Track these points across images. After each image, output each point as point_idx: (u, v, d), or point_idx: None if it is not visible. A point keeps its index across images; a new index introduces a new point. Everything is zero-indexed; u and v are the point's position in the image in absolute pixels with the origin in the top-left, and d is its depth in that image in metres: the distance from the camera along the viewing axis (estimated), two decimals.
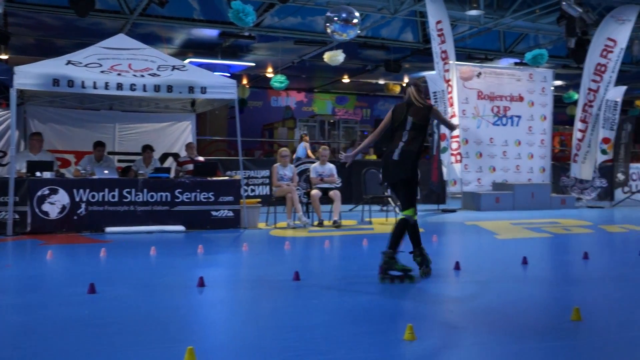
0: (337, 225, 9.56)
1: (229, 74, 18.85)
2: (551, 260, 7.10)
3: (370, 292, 4.94)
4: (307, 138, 17.17)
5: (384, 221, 10.61)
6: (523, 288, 5.26)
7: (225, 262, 6.67)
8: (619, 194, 14.96)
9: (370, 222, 10.41)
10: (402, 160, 5.45)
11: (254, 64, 19.10)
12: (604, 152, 13.84)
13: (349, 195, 12.83)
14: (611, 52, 13.68)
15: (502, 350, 3.52)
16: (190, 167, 10.08)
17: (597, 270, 6.24)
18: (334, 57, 14.05)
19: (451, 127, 6.18)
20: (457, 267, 5.93)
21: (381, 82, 23.09)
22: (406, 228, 5.48)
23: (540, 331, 3.87)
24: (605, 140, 13.81)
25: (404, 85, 21.86)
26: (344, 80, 22.85)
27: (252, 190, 12.46)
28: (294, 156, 14.81)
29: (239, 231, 9.07)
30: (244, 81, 22.05)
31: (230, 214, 9.27)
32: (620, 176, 14.42)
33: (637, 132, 14.40)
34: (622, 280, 5.63)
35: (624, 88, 14.08)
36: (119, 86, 8.69)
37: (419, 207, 12.80)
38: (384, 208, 11.64)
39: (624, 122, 14.42)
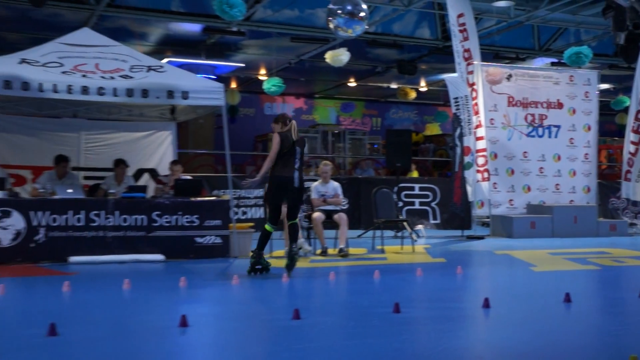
0: (343, 254, 9.54)
1: (214, 77, 18.93)
2: (599, 297, 7.06)
3: (383, 334, 4.90)
4: None
5: (398, 249, 10.56)
6: (566, 330, 5.22)
7: (212, 298, 6.63)
8: None
9: (382, 251, 10.37)
10: (302, 187, 7.70)
11: (243, 65, 19.15)
12: None
13: (357, 218, 12.82)
14: None
15: None
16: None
17: None
18: (338, 57, 14.07)
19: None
20: (486, 304, 5.89)
21: (393, 86, 23.12)
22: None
23: None
24: None
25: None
26: (349, 84, 22.87)
27: (244, 213, 12.45)
28: None
29: (228, 261, 9.02)
30: (233, 85, 22.13)
31: (218, 240, 9.25)
32: None
33: None
34: None
35: None
36: (85, 90, 8.68)
37: (440, 232, 12.84)
38: (398, 234, 11.62)
39: None
